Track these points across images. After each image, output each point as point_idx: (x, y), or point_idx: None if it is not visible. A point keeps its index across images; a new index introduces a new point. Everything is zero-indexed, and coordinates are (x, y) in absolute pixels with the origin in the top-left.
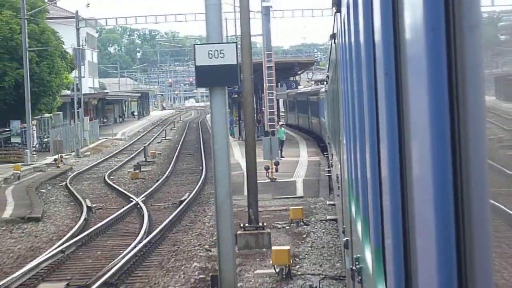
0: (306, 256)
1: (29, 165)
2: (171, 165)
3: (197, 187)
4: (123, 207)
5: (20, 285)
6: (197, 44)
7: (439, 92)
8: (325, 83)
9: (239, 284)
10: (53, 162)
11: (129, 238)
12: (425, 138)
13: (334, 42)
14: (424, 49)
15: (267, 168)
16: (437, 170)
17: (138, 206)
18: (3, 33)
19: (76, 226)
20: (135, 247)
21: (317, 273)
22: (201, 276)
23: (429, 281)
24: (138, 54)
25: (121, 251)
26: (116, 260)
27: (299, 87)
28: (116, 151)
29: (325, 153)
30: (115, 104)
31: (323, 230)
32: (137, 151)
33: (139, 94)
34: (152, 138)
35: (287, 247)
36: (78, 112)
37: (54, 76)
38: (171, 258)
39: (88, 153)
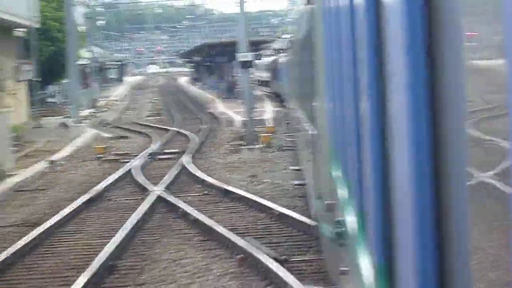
0: (275, 142)
1: (72, 117)
2: (176, 115)
3: (206, 124)
4: (168, 132)
5: (156, 151)
6: (239, 54)
7: (417, 52)
8: (289, 48)
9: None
10: (90, 114)
11: (186, 141)
12: (404, 99)
13: (310, 4)
14: (402, 11)
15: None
16: (416, 131)
17: (178, 132)
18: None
19: (156, 139)
20: (195, 141)
21: (282, 145)
22: (230, 149)
23: (409, 243)
24: (101, 22)
25: (189, 144)
26: (189, 144)
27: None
28: (122, 108)
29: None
30: (99, 71)
31: (284, 133)
32: (139, 109)
33: (119, 62)
34: (142, 99)
35: (268, 135)
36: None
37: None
38: (214, 144)
39: (105, 109)
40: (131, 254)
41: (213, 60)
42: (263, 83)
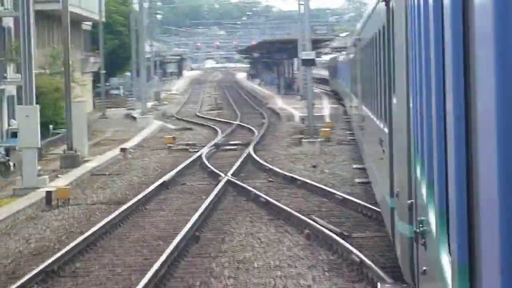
0: (334, 134)
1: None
2: (236, 109)
3: (266, 119)
4: (231, 125)
5: (221, 143)
6: (302, 52)
7: (505, 52)
8: (354, 47)
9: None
10: (153, 107)
11: (249, 133)
12: (491, 100)
13: (387, 5)
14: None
15: None
16: (503, 132)
17: (240, 125)
18: None
19: (219, 131)
20: (257, 134)
21: (341, 140)
22: (291, 142)
23: (492, 244)
24: (159, 16)
25: (252, 137)
26: (252, 136)
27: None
28: (183, 102)
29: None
30: (160, 65)
31: (342, 128)
32: (199, 102)
33: (179, 57)
34: (202, 93)
35: (328, 130)
36: (153, 71)
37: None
38: (276, 137)
39: (166, 102)
40: (210, 228)
41: (272, 56)
42: (321, 81)
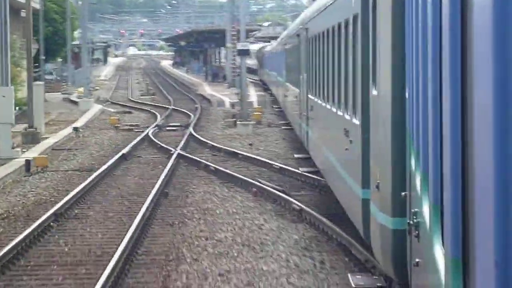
0: (265, 119)
1: (72, 93)
2: (167, 94)
3: (198, 103)
4: (166, 109)
5: (162, 124)
6: (239, 43)
7: (503, 46)
8: (297, 37)
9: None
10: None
11: (185, 117)
12: (488, 93)
13: None
14: None
15: (237, 93)
16: (498, 126)
17: (175, 109)
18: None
19: (158, 115)
20: (193, 118)
21: (271, 123)
22: (225, 124)
23: (486, 237)
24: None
25: (189, 119)
26: (189, 119)
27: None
28: (114, 87)
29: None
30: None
31: (270, 113)
32: (129, 88)
33: (105, 44)
34: (130, 79)
35: (259, 114)
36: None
37: (71, 32)
38: (211, 120)
39: (97, 87)
40: (174, 188)
41: (200, 45)
42: (247, 70)
